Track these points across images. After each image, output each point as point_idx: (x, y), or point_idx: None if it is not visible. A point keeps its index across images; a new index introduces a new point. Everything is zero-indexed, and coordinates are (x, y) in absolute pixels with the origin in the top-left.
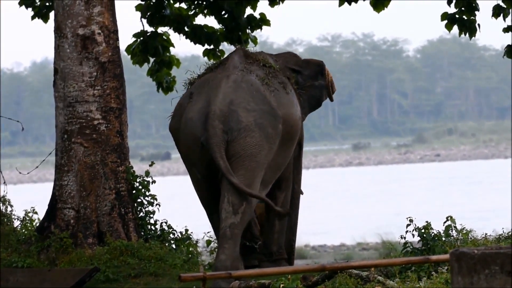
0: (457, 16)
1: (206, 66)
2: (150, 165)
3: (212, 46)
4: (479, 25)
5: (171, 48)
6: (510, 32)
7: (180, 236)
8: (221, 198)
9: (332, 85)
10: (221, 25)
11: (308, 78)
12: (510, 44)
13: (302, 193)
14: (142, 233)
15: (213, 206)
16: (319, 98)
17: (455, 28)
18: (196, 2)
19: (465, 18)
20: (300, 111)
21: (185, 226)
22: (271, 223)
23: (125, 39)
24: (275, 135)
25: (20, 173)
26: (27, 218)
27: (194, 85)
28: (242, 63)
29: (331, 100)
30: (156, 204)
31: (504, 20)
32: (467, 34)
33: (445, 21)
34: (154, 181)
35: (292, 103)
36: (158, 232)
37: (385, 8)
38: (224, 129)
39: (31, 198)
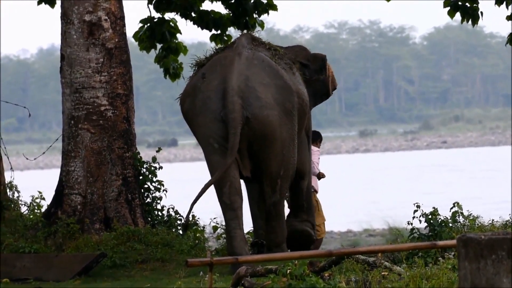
0: (460, 3)
1: (213, 51)
2: (157, 151)
3: (219, 32)
4: (481, 12)
5: (178, 34)
6: None
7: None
8: (259, 181)
9: (332, 80)
10: (228, 10)
11: (314, 73)
12: None
13: (324, 176)
14: (149, 218)
15: (225, 178)
16: (324, 92)
17: (459, 15)
18: None
19: (468, 5)
20: (305, 90)
21: (192, 212)
22: (301, 204)
23: (132, 26)
24: (293, 108)
25: (27, 159)
26: (34, 204)
27: (205, 66)
28: (250, 43)
29: (329, 93)
30: (163, 190)
31: (507, 7)
32: (470, 21)
33: (448, 8)
34: (161, 167)
35: (299, 82)
36: (165, 218)
37: None
38: (243, 104)
39: (38, 184)
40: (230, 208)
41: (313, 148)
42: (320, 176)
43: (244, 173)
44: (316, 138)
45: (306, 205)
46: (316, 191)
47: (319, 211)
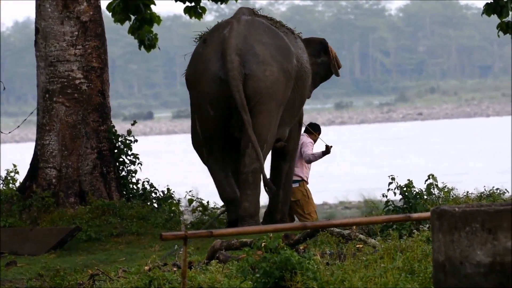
0: None
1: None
2: (132, 124)
3: (193, 4)
4: None
5: (152, 6)
6: None
7: (162, 195)
8: (243, 142)
9: (336, 61)
10: None
11: (310, 56)
12: (489, 2)
13: (331, 146)
14: (124, 192)
15: (218, 145)
16: (323, 75)
17: None
18: None
19: None
20: (307, 57)
21: (167, 185)
22: (276, 193)
23: None
24: (291, 69)
25: (1, 132)
26: (9, 178)
27: (205, 34)
28: (250, 14)
29: (337, 75)
30: (138, 163)
31: None
32: None
33: None
34: (136, 140)
35: (301, 47)
36: (140, 191)
37: None
38: (242, 62)
39: (13, 158)
40: (221, 167)
41: (307, 139)
42: (328, 148)
43: (237, 134)
44: (316, 130)
45: (283, 195)
46: (306, 182)
47: (310, 200)
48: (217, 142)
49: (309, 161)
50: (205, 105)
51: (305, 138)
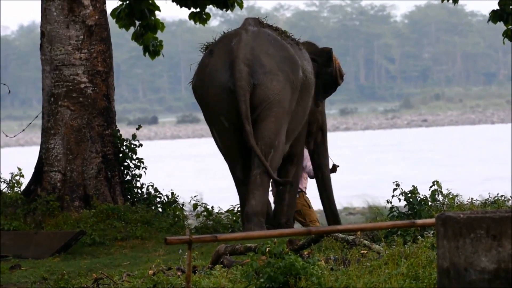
0: None
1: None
2: (137, 129)
3: (198, 9)
4: None
5: (157, 12)
6: None
7: (166, 199)
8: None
9: (339, 70)
10: None
11: (322, 66)
12: (495, 9)
13: (338, 166)
14: (129, 196)
15: (237, 156)
16: (333, 83)
17: None
18: None
19: None
20: (311, 68)
21: (172, 190)
22: (282, 196)
23: (112, 3)
24: (296, 81)
25: (6, 136)
26: (14, 181)
27: (212, 44)
28: (257, 24)
29: (338, 84)
30: (143, 168)
31: None
32: (451, 0)
33: None
34: (141, 145)
35: (306, 58)
36: (145, 196)
37: None
38: (250, 72)
39: (18, 161)
40: (243, 183)
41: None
42: (335, 167)
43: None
44: None
45: (289, 199)
46: (304, 192)
47: (311, 209)
48: (238, 158)
49: (314, 176)
50: (218, 118)
51: (307, 153)
